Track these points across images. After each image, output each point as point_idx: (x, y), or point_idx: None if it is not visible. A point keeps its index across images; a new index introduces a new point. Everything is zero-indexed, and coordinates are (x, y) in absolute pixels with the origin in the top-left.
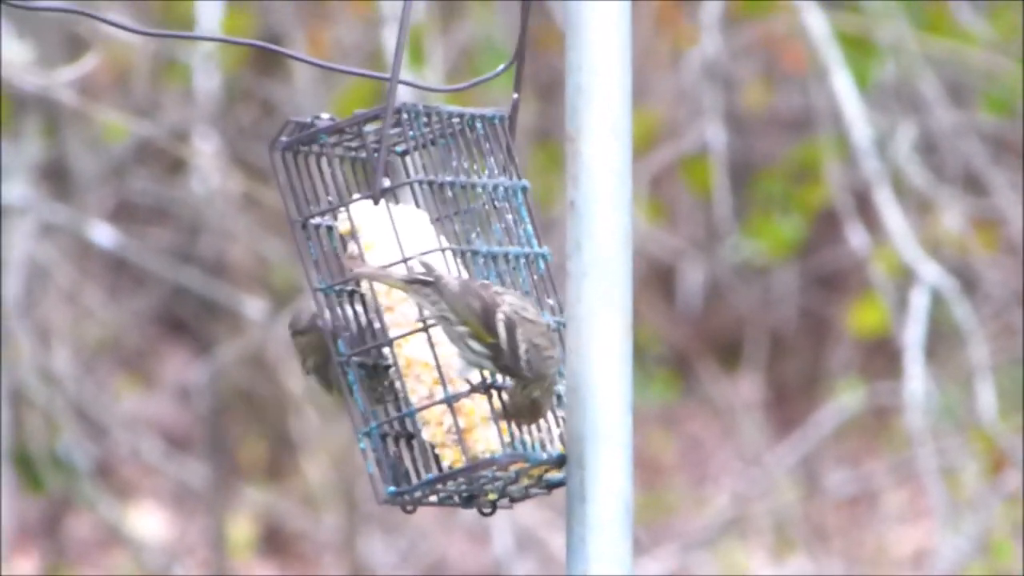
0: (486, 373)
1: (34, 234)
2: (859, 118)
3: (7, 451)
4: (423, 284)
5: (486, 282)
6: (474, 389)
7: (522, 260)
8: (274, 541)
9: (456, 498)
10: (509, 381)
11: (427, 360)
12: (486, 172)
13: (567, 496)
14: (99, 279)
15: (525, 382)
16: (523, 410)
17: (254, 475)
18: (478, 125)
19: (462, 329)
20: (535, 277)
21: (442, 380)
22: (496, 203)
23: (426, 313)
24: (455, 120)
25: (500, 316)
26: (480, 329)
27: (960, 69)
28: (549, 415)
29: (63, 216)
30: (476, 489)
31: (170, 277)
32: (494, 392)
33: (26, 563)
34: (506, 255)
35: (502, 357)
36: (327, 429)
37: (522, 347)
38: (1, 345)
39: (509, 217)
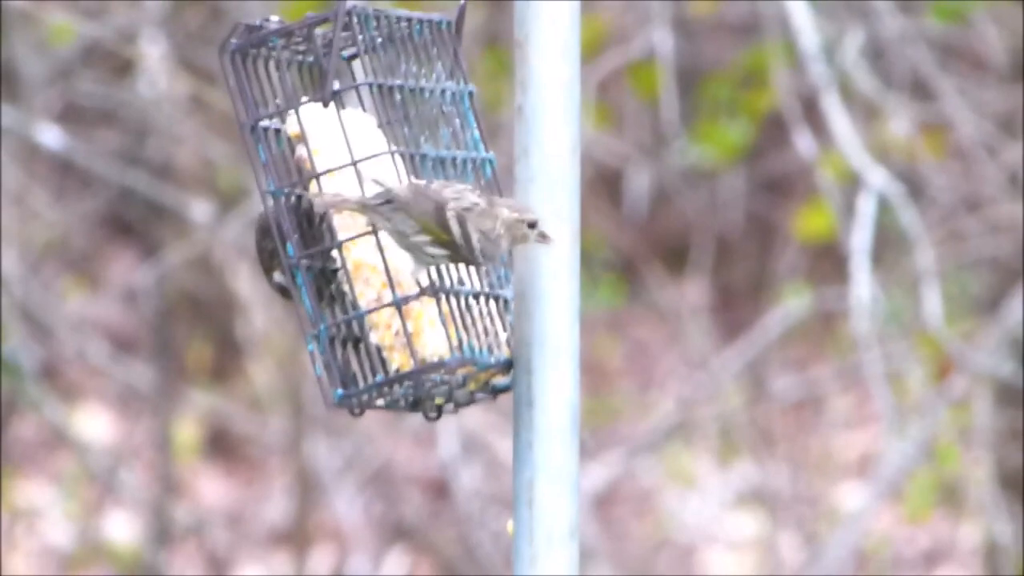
0: (435, 275)
1: None
2: (807, 24)
3: None
4: (378, 203)
5: (427, 183)
6: (423, 292)
7: (469, 165)
8: (220, 444)
9: (402, 402)
10: (457, 284)
11: (375, 263)
12: (433, 77)
13: (514, 401)
14: (46, 181)
15: (479, 266)
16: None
17: (200, 378)
18: (425, 30)
19: (419, 238)
20: (482, 182)
21: (390, 283)
22: (443, 108)
23: (386, 228)
24: (403, 24)
25: (451, 213)
26: (436, 229)
27: None
28: (497, 320)
29: (10, 118)
30: (423, 393)
31: (117, 179)
32: (442, 296)
33: None
34: (454, 159)
35: (459, 252)
36: (273, 332)
37: (474, 237)
38: None
39: (456, 122)
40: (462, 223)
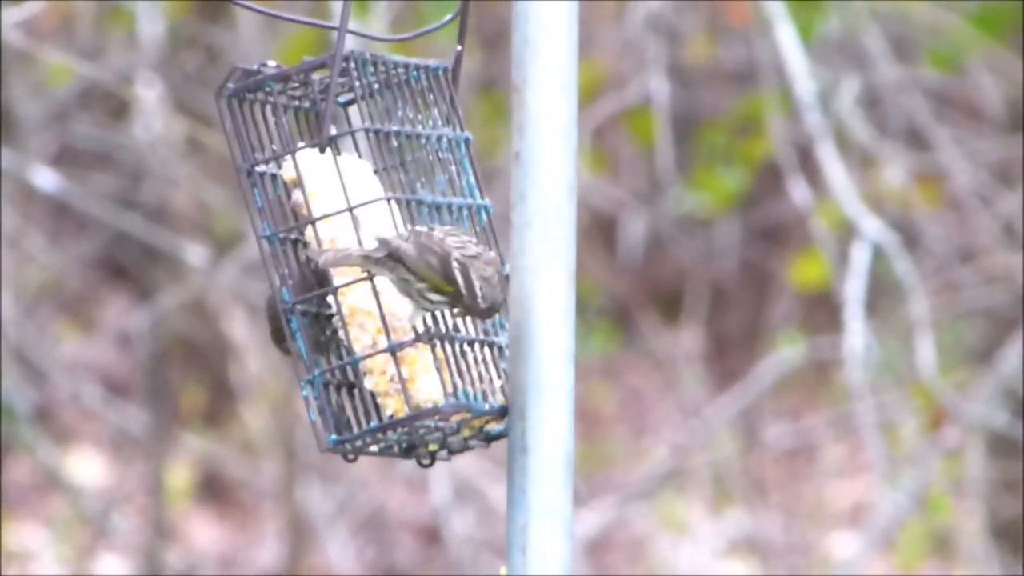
0: (430, 321)
1: None
2: (802, 72)
3: None
4: (381, 257)
5: (428, 231)
6: (418, 338)
7: (465, 211)
8: (213, 488)
9: (396, 448)
10: (452, 331)
11: (371, 309)
12: (430, 123)
13: (508, 447)
14: (41, 224)
15: (479, 313)
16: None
17: (193, 422)
18: (422, 76)
19: (421, 285)
20: (477, 228)
21: (385, 329)
22: (440, 154)
23: (388, 278)
24: (400, 70)
25: (455, 265)
26: (440, 283)
27: (904, 24)
28: (491, 367)
29: (6, 160)
30: (416, 440)
31: (112, 222)
32: (437, 342)
33: None
34: (449, 206)
35: (461, 301)
36: (267, 377)
37: (477, 286)
38: None
39: (452, 168)
40: (465, 273)
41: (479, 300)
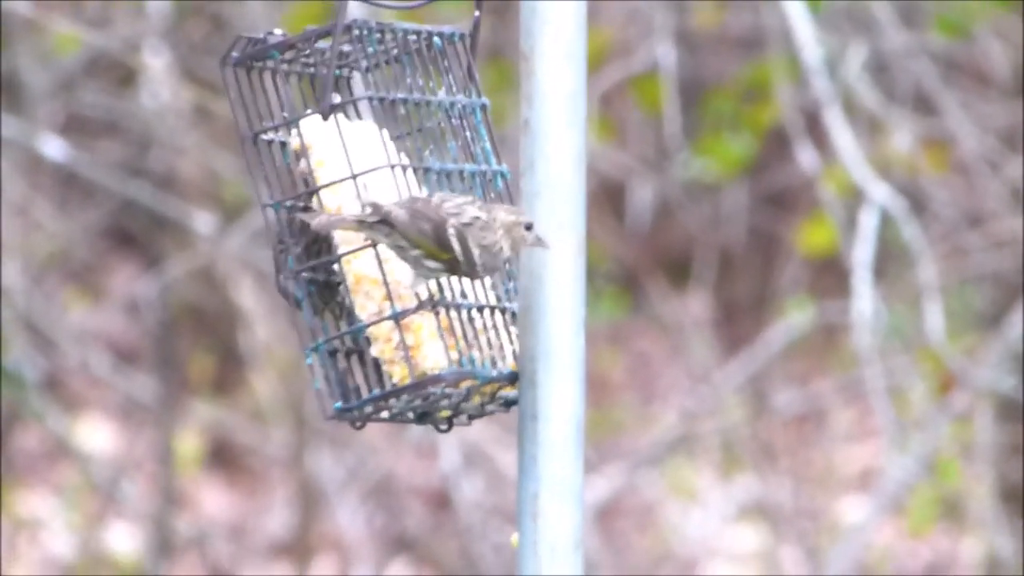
0: (434, 287)
1: None
2: (810, 38)
3: None
4: (374, 222)
5: (426, 198)
6: (421, 306)
7: (478, 178)
8: (222, 456)
9: (410, 415)
10: (459, 298)
11: (376, 277)
12: (443, 90)
13: (519, 414)
14: (49, 192)
15: (480, 278)
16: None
17: (202, 389)
18: (436, 42)
19: (416, 252)
20: (492, 195)
21: (390, 297)
22: (452, 121)
23: (382, 244)
24: (411, 37)
25: (451, 232)
26: (435, 249)
27: None
28: (503, 333)
29: (13, 129)
30: (429, 406)
31: (120, 191)
32: (441, 309)
33: None
34: (461, 172)
35: (459, 267)
36: (276, 344)
37: (475, 252)
38: None
39: (466, 134)
40: (462, 240)
41: (478, 268)
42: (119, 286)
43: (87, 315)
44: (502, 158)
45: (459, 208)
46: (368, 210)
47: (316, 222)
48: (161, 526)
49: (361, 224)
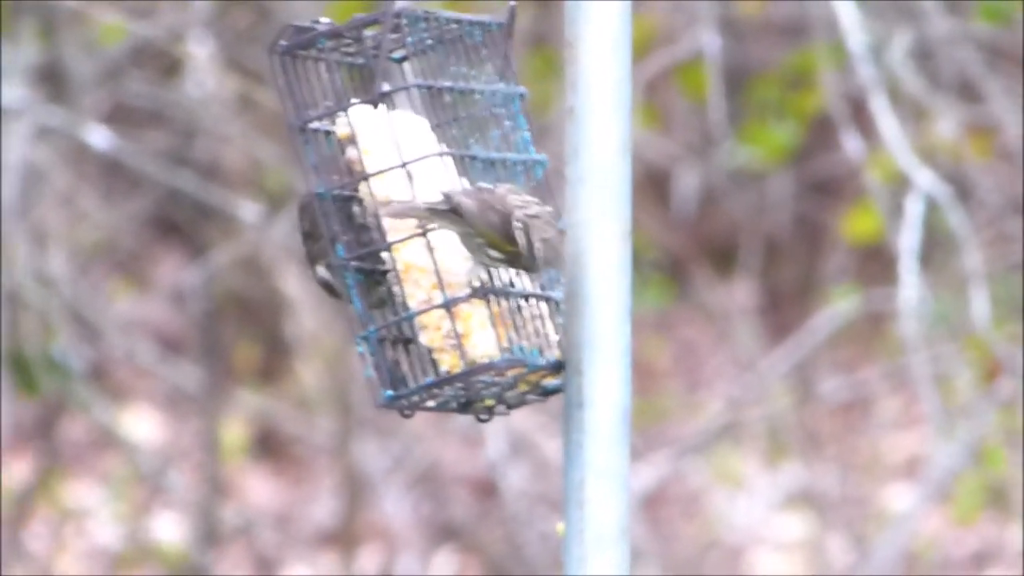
0: (484, 277)
1: (30, 136)
2: (855, 25)
3: (2, 353)
4: (445, 211)
5: (491, 189)
6: (472, 294)
7: (519, 167)
8: (268, 444)
9: (453, 404)
10: (508, 286)
11: (425, 265)
12: (484, 78)
13: (564, 402)
14: (94, 181)
15: (538, 273)
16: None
17: (248, 378)
18: (476, 32)
19: (481, 241)
20: (532, 183)
21: (440, 285)
22: (494, 110)
23: (454, 230)
24: (453, 26)
25: (517, 225)
26: (500, 241)
27: None
28: (547, 322)
29: (59, 118)
30: (473, 395)
31: (165, 180)
32: (491, 297)
33: (20, 465)
34: (504, 161)
35: (520, 260)
36: (321, 332)
37: (537, 246)
38: None
39: (507, 123)
40: (527, 233)
41: (539, 261)
42: (165, 275)
43: (133, 305)
44: (547, 147)
45: (524, 202)
46: (438, 198)
47: (387, 211)
48: (207, 516)
49: (431, 212)
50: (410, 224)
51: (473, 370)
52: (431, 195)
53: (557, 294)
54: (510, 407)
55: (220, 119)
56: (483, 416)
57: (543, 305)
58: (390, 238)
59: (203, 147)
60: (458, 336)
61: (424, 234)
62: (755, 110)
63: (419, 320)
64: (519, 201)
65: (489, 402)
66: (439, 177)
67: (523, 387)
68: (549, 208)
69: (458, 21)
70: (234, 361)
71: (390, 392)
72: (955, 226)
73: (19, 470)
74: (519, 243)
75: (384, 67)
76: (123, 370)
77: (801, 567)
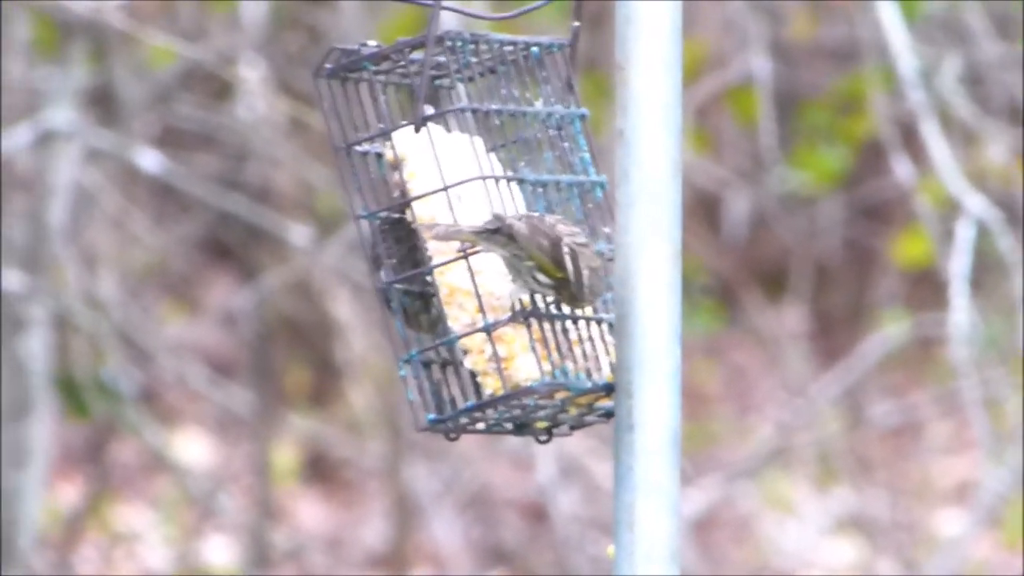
0: (526, 300)
1: (80, 159)
2: (905, 49)
3: (52, 376)
4: (494, 233)
5: (540, 216)
6: (513, 318)
7: (575, 189)
8: (318, 468)
9: (507, 425)
10: (554, 309)
11: (469, 289)
12: (540, 100)
13: (615, 425)
14: (145, 205)
15: (584, 303)
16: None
17: (298, 402)
18: (534, 52)
19: (530, 264)
20: (590, 205)
21: (482, 308)
22: (549, 131)
23: (500, 254)
24: (507, 48)
25: (566, 251)
26: (549, 266)
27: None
28: (599, 344)
29: (109, 141)
30: (526, 417)
31: (216, 203)
32: (533, 320)
33: (70, 489)
34: (557, 184)
35: (568, 288)
36: (372, 356)
37: (585, 275)
38: (46, 270)
39: (564, 145)
40: (575, 260)
41: (586, 290)
42: (215, 299)
43: (184, 328)
44: (599, 170)
45: (572, 231)
46: (487, 219)
47: (434, 232)
48: (258, 539)
49: (479, 235)
50: (454, 247)
51: (514, 394)
52: (477, 218)
53: (609, 316)
54: (572, 428)
55: (271, 142)
56: (541, 438)
57: (594, 328)
58: (434, 261)
59: (254, 170)
60: (498, 360)
61: (467, 257)
62: (806, 134)
63: (463, 343)
64: (567, 230)
65: (543, 424)
66: (485, 200)
67: (574, 409)
68: (599, 245)
69: (514, 43)
70: (285, 384)
71: (432, 415)
72: (1005, 251)
73: (69, 493)
74: (567, 269)
75: (427, 90)
76: (173, 393)
77: None
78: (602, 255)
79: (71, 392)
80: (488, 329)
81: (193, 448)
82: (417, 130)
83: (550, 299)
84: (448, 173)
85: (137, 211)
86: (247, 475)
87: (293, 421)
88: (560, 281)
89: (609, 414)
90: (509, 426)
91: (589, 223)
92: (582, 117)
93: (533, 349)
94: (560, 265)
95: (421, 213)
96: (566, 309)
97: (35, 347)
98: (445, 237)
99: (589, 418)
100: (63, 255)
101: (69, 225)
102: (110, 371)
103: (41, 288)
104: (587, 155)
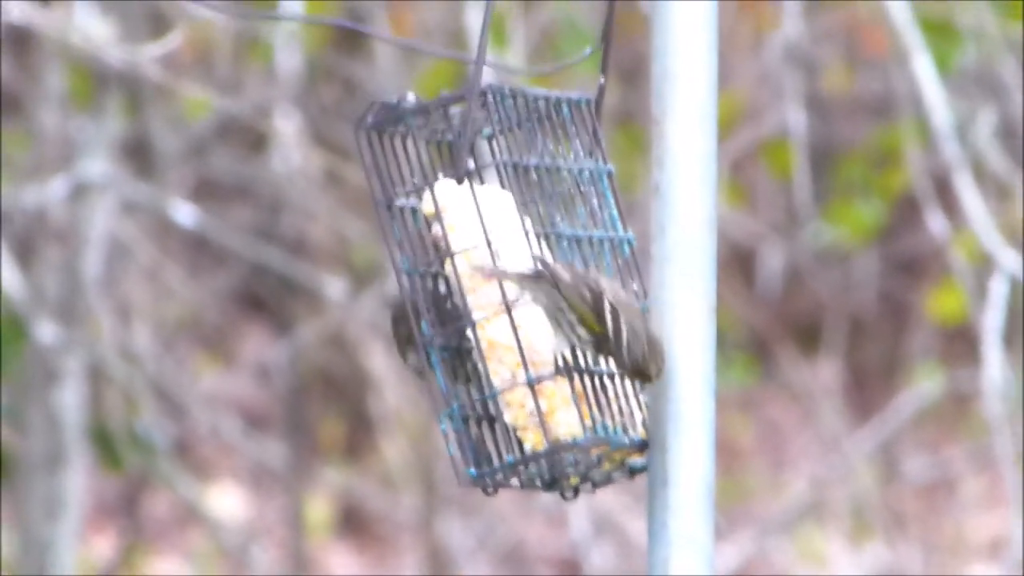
0: (567, 355)
1: (115, 211)
2: (939, 103)
3: (86, 428)
4: (538, 278)
5: (585, 270)
6: (556, 372)
7: (606, 244)
8: (352, 522)
9: (538, 481)
10: (592, 364)
11: (509, 343)
12: (571, 155)
13: (649, 480)
14: (179, 257)
15: (623, 364)
16: (632, 378)
17: (332, 455)
18: (564, 108)
19: (572, 316)
20: (619, 262)
21: (524, 363)
22: (581, 187)
23: (542, 302)
24: (540, 103)
25: (607, 306)
26: (591, 318)
27: None
28: (632, 399)
29: (144, 194)
30: (558, 473)
31: (250, 256)
32: (575, 375)
33: (103, 541)
34: (590, 239)
35: (607, 344)
36: (406, 409)
37: (624, 333)
38: (81, 322)
39: (594, 200)
40: (615, 317)
41: (624, 348)
42: (250, 351)
43: (218, 380)
44: (631, 224)
45: (615, 288)
46: (534, 265)
47: (478, 269)
48: None
49: (523, 278)
50: (495, 301)
51: (556, 448)
52: (520, 266)
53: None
54: (595, 486)
55: (306, 195)
56: (568, 494)
57: (628, 383)
58: (475, 315)
59: (289, 223)
60: (541, 414)
61: (508, 311)
62: (840, 188)
63: (503, 398)
64: (611, 286)
65: (574, 480)
66: (525, 254)
67: (607, 465)
68: (639, 304)
69: (546, 98)
70: (318, 437)
71: (473, 470)
72: None
73: (102, 546)
74: (607, 324)
75: (469, 144)
76: (207, 446)
77: None
78: (646, 313)
79: (105, 444)
80: (531, 383)
81: (226, 501)
82: (460, 183)
83: (590, 354)
84: (489, 226)
85: (172, 263)
86: (280, 528)
87: (327, 474)
88: (600, 337)
89: (635, 471)
90: (539, 483)
91: (619, 279)
92: (609, 173)
93: (576, 403)
94: (601, 319)
95: (462, 267)
96: (606, 364)
97: (69, 399)
98: (490, 276)
99: (616, 475)
100: (98, 307)
101: (104, 277)
102: (144, 423)
103: (75, 340)
104: (615, 212)
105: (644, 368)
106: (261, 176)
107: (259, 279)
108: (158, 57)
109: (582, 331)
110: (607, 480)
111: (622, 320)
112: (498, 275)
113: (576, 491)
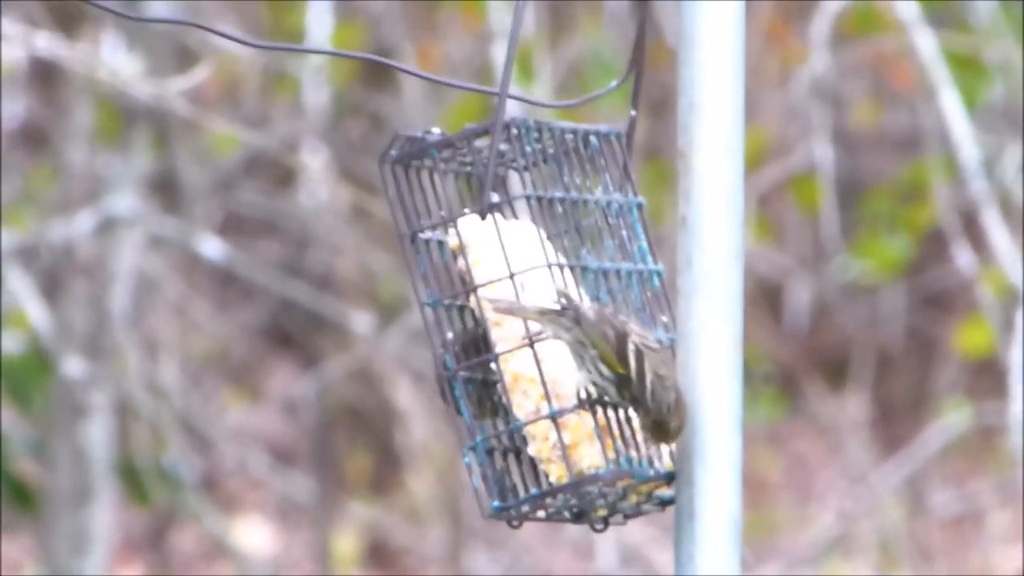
0: (592, 389)
1: (142, 246)
2: (967, 138)
3: (114, 463)
4: (559, 314)
5: (611, 310)
6: (580, 405)
7: (635, 277)
8: (379, 555)
9: (566, 514)
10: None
11: (533, 376)
12: (599, 188)
13: (675, 513)
14: (207, 292)
15: (646, 409)
16: (649, 432)
17: (359, 489)
18: (593, 141)
19: (593, 353)
20: (648, 294)
21: (547, 396)
22: (609, 219)
23: (564, 338)
24: (568, 136)
25: (631, 347)
26: (612, 358)
27: None
28: None
29: (171, 228)
30: (586, 505)
31: (278, 290)
32: (599, 408)
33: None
34: (618, 272)
35: (628, 386)
36: (432, 443)
37: (648, 377)
38: (108, 357)
39: (623, 233)
40: (639, 359)
41: (647, 392)
42: (277, 386)
43: (245, 415)
44: (659, 257)
45: (643, 334)
46: (558, 300)
47: (496, 306)
48: None
49: (544, 314)
50: (519, 334)
51: (579, 481)
52: (544, 301)
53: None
54: (626, 517)
55: (333, 229)
56: (598, 526)
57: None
58: (498, 349)
59: (316, 258)
60: (564, 447)
61: (532, 345)
62: (868, 223)
63: (527, 430)
64: (638, 330)
65: (602, 512)
66: (550, 287)
67: (634, 498)
68: (670, 351)
69: (574, 131)
70: (345, 471)
71: (497, 503)
72: None
73: None
74: (630, 366)
75: (493, 178)
76: (234, 480)
77: None
78: (667, 348)
79: (132, 479)
80: (554, 416)
81: (254, 535)
82: (483, 217)
83: (613, 393)
84: (513, 260)
85: (199, 298)
86: (307, 562)
87: (354, 508)
88: (622, 378)
89: (666, 503)
90: (568, 515)
91: (648, 311)
92: (639, 206)
93: (600, 436)
94: (623, 360)
95: (486, 300)
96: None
97: (96, 434)
98: (507, 312)
99: (646, 507)
100: (125, 342)
101: (131, 312)
102: (171, 457)
103: (103, 375)
104: (644, 244)
105: (666, 420)
106: (288, 211)
107: (286, 313)
108: (185, 92)
109: (604, 369)
110: (637, 512)
111: (647, 364)
112: (515, 311)
113: (606, 523)
